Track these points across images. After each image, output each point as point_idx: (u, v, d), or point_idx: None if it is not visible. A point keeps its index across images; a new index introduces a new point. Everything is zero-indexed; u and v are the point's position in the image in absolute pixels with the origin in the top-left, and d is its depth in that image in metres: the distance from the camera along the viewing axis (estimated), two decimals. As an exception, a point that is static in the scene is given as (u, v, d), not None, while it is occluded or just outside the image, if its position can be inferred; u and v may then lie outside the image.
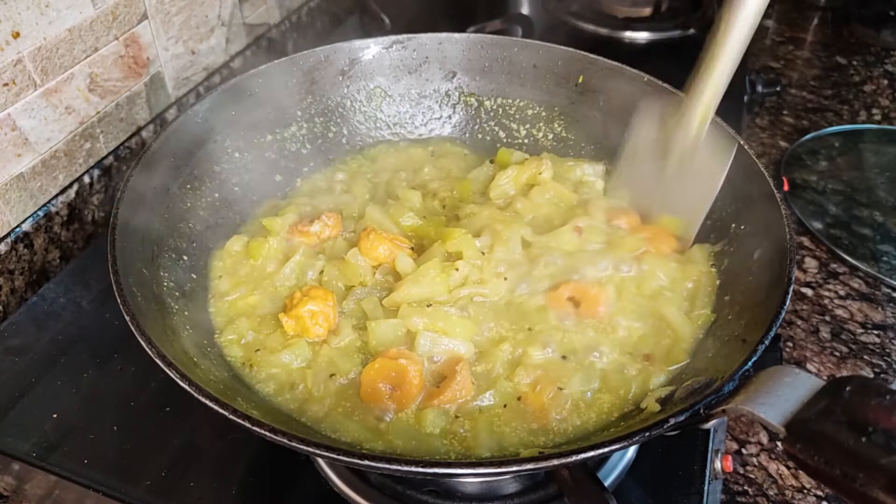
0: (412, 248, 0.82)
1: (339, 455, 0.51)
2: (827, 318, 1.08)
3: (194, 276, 0.79)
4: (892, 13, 1.77)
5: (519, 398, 0.68)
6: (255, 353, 0.72)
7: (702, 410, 0.53)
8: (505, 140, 1.03)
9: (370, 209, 0.87)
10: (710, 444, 0.75)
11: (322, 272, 0.80)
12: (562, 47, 0.96)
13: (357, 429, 0.65)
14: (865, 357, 1.02)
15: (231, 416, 0.52)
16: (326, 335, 0.74)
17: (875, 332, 1.06)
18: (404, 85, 1.02)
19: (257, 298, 0.78)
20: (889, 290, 1.12)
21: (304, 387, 0.69)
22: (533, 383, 0.68)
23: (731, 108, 1.28)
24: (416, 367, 0.68)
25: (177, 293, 0.74)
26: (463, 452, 0.64)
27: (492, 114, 1.03)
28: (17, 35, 0.84)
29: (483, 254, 0.78)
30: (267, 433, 0.51)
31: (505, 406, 0.67)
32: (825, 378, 0.50)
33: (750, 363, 0.56)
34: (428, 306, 0.73)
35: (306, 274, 0.80)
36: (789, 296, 0.61)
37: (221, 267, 0.82)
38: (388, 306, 0.75)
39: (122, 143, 1.06)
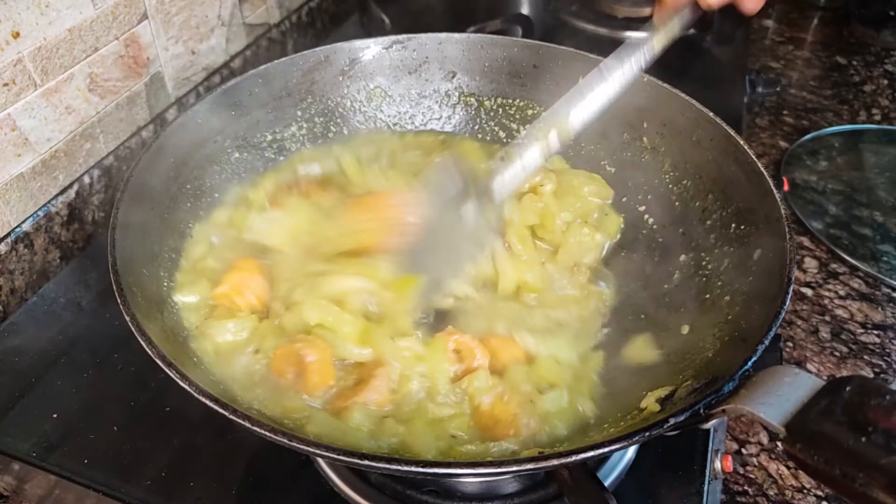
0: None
1: (339, 455, 0.51)
2: (827, 318, 1.08)
3: (194, 276, 0.79)
4: (892, 13, 1.77)
5: (473, 412, 0.66)
6: (204, 322, 0.72)
7: (702, 410, 0.53)
8: (505, 140, 1.03)
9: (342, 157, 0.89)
10: (710, 444, 0.75)
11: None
12: (562, 47, 0.96)
13: (282, 413, 0.65)
14: (865, 357, 1.02)
15: (231, 416, 0.52)
16: (263, 308, 0.73)
17: (875, 332, 1.06)
18: (404, 85, 1.02)
19: (220, 264, 0.78)
20: (889, 290, 1.12)
21: (243, 361, 0.69)
22: (495, 400, 0.66)
23: (731, 107, 1.28)
24: (320, 355, 0.67)
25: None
26: (399, 453, 0.62)
27: (492, 114, 1.03)
28: (17, 35, 0.84)
29: None
30: (267, 433, 0.51)
31: (452, 413, 0.66)
32: (825, 378, 0.51)
33: (750, 363, 0.56)
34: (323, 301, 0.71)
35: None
36: (789, 296, 0.61)
37: (204, 234, 0.82)
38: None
39: (122, 143, 1.06)
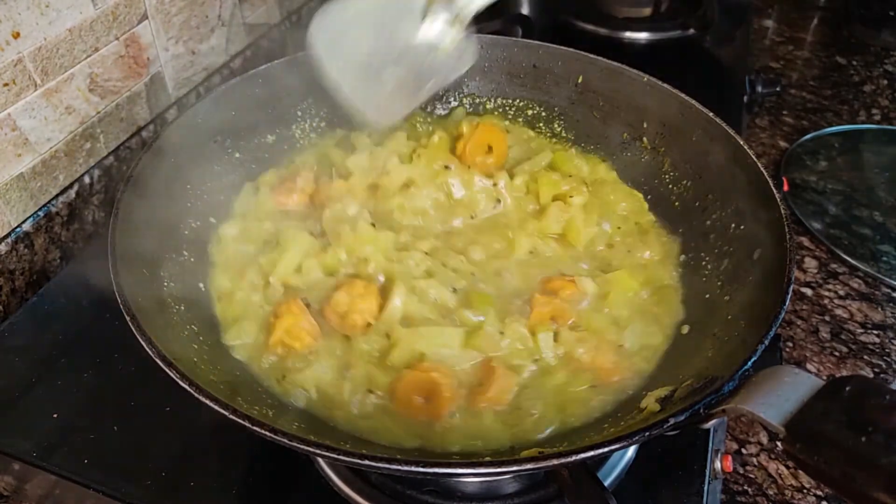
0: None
1: (339, 455, 0.51)
2: (827, 318, 1.08)
3: (195, 275, 0.79)
4: (892, 13, 1.77)
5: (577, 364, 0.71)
6: (284, 367, 0.72)
7: (702, 410, 0.53)
8: (505, 140, 1.03)
9: (352, 158, 0.88)
10: (710, 444, 0.75)
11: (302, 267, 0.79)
12: (562, 47, 0.96)
13: (406, 436, 0.66)
14: (865, 357, 1.02)
15: (231, 416, 0.52)
16: (318, 345, 0.73)
17: (875, 332, 1.06)
18: (404, 85, 1.01)
19: (259, 297, 0.77)
20: (889, 290, 1.12)
21: (338, 397, 0.69)
22: (590, 350, 0.71)
23: (731, 107, 1.28)
24: (447, 378, 0.68)
25: (177, 293, 0.74)
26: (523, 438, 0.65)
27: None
28: (17, 35, 0.84)
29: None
30: (267, 433, 0.51)
31: (565, 379, 0.70)
32: (825, 378, 0.51)
33: (750, 363, 0.56)
34: (412, 327, 0.72)
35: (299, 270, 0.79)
36: (789, 296, 0.61)
37: (222, 259, 0.81)
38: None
39: (122, 143, 1.06)
